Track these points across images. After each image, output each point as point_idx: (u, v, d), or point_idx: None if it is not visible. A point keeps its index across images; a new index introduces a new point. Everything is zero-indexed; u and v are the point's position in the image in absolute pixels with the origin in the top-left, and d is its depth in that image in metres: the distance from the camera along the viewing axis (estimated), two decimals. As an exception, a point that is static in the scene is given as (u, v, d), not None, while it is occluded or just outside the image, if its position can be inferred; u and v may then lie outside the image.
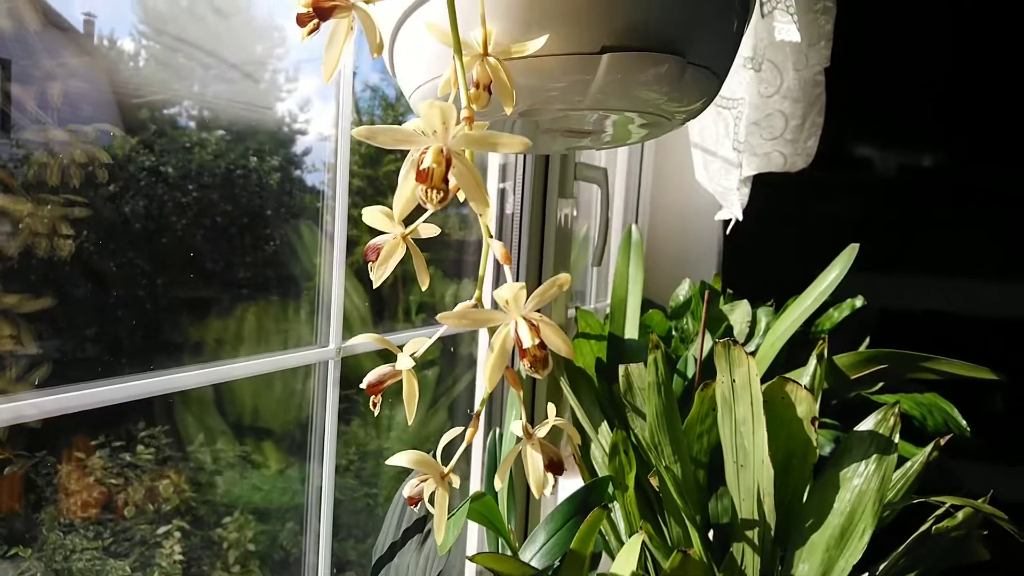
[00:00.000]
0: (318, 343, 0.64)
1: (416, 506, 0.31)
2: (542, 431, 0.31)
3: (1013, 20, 1.37)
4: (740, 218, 1.12)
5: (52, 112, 0.51)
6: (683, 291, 1.18)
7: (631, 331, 0.98)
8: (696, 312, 1.09)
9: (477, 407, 0.31)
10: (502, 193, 1.04)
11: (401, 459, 0.31)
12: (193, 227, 0.85)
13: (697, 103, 0.42)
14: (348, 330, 0.72)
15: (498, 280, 0.91)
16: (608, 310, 1.03)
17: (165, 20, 0.74)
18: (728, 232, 1.21)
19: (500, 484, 0.30)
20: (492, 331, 0.28)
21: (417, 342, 0.32)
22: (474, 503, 0.52)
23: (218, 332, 0.92)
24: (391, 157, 1.65)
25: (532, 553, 0.58)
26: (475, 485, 0.96)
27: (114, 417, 0.85)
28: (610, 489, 0.67)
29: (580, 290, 1.42)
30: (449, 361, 1.36)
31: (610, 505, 0.71)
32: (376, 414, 0.30)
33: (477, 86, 0.33)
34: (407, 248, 0.32)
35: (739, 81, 1.00)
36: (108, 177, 0.54)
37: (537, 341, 0.26)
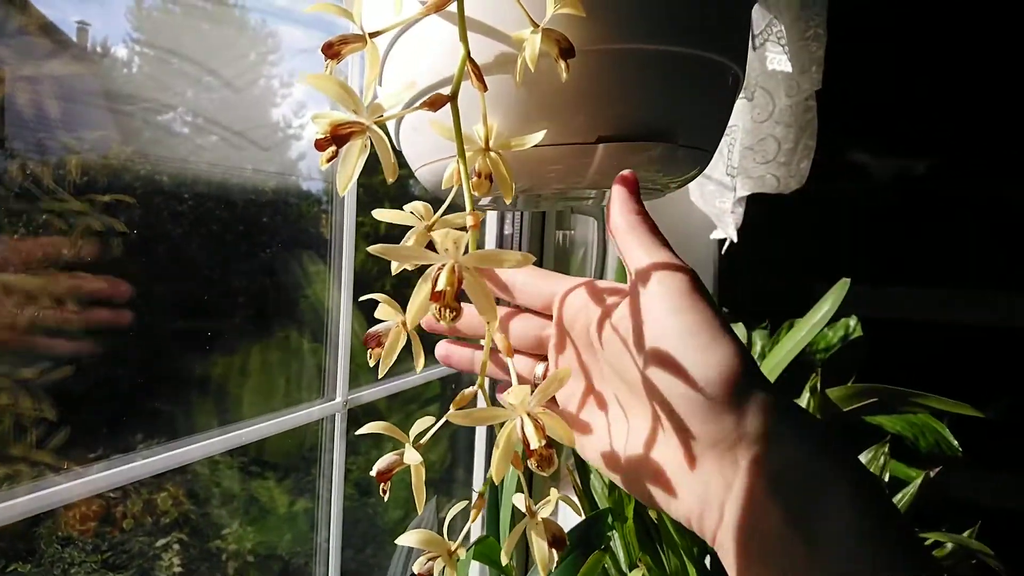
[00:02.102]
0: (324, 396, 0.66)
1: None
2: (545, 511, 0.33)
3: (998, 43, 1.39)
4: (735, 239, 1.14)
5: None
6: (679, 310, 1.20)
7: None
8: (692, 333, 1.10)
9: (480, 487, 0.33)
10: (501, 213, 1.06)
11: (409, 539, 0.33)
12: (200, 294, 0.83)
13: (690, 173, 0.44)
14: (354, 361, 0.73)
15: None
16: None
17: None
18: (723, 252, 1.23)
19: (506, 559, 0.32)
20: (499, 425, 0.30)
21: (423, 423, 0.34)
22: (478, 546, 0.54)
23: (228, 397, 0.91)
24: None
25: (534, 589, 0.60)
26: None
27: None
28: (609, 519, 0.69)
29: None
30: (451, 398, 1.37)
31: (610, 534, 0.73)
32: (385, 499, 0.32)
33: (479, 175, 0.35)
34: (408, 336, 0.34)
35: (733, 109, 1.01)
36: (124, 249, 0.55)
37: (543, 442, 0.27)
